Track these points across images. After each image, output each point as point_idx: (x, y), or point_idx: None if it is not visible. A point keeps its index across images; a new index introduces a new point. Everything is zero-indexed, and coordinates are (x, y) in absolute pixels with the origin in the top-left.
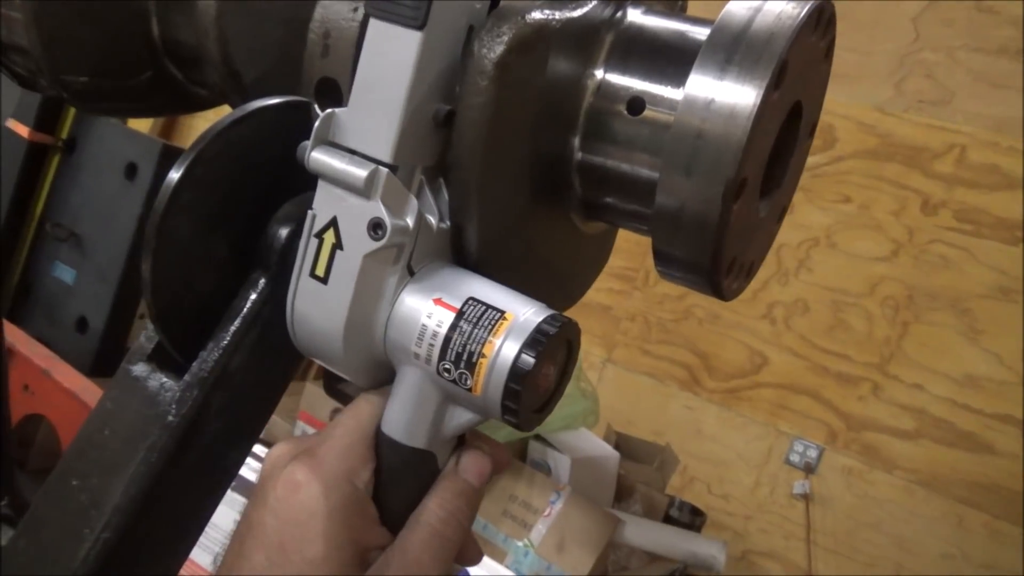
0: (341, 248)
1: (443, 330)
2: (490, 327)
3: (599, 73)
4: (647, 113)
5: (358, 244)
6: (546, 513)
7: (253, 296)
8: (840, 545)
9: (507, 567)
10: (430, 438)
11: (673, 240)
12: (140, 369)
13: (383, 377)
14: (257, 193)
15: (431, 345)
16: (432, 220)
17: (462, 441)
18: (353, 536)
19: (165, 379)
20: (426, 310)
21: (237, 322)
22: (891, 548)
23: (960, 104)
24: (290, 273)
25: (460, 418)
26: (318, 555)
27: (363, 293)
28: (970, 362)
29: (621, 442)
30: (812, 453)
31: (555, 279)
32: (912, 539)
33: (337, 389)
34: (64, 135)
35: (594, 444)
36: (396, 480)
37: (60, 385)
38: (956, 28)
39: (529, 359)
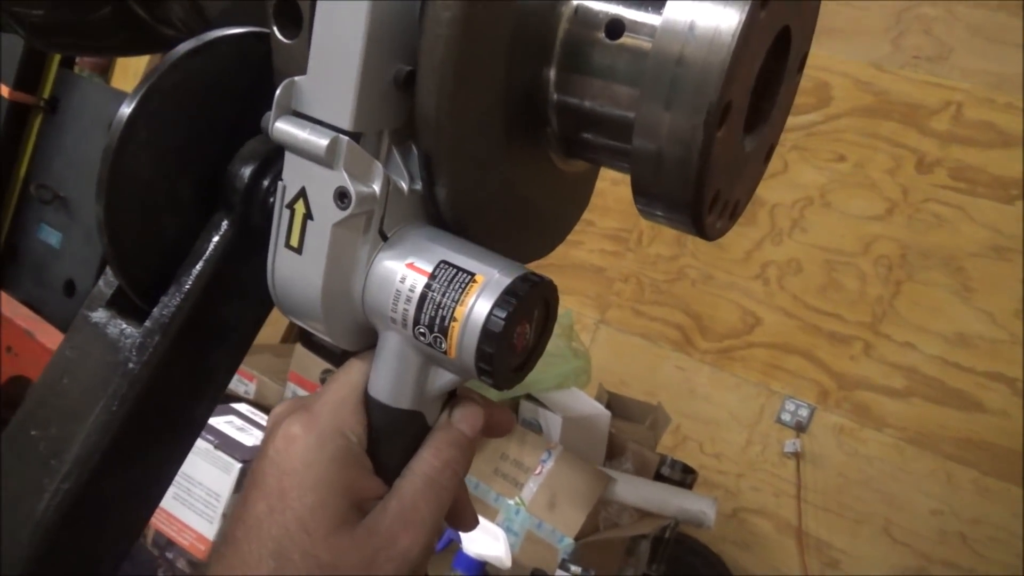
0: (312, 218)
1: (416, 295)
2: (461, 290)
3: None
4: (626, 40)
5: (327, 214)
6: (537, 471)
7: (216, 238)
8: (830, 502)
9: (498, 525)
10: (415, 398)
11: (654, 173)
12: (99, 315)
13: (369, 341)
14: (219, 129)
15: (406, 310)
16: (402, 183)
17: (455, 394)
18: (349, 485)
19: (125, 325)
20: (399, 275)
21: (199, 265)
22: (880, 505)
23: (958, 60)
24: (253, 212)
25: (443, 378)
26: (316, 501)
27: (336, 262)
28: (962, 321)
29: (613, 401)
30: (803, 412)
31: (536, 223)
32: (901, 496)
33: (315, 343)
34: (46, 95)
35: (585, 403)
36: (387, 438)
37: (44, 346)
38: None
39: (499, 321)
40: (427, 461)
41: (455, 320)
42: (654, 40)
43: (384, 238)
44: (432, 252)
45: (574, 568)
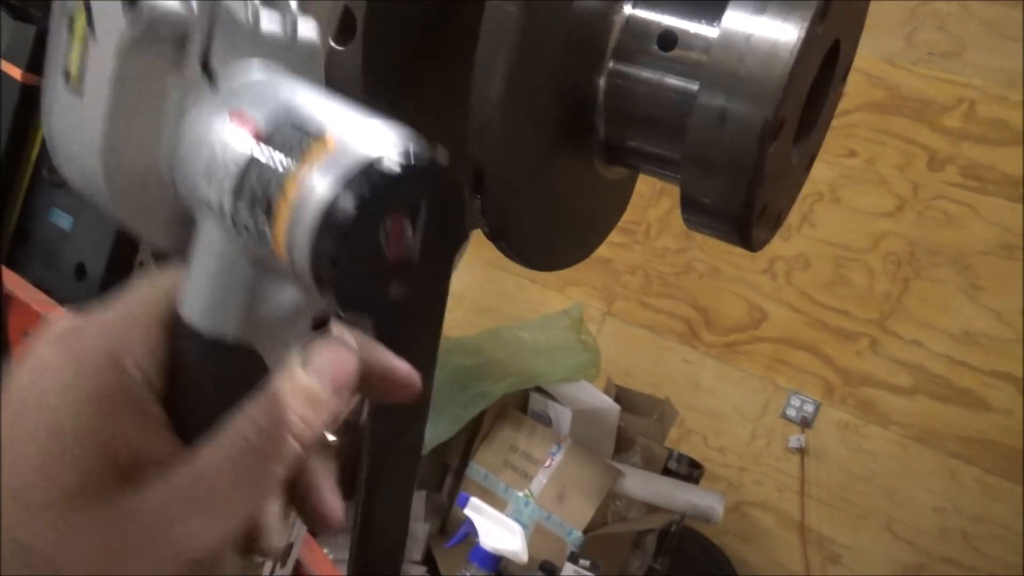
0: (94, 37)
1: (238, 156)
2: (298, 153)
3: (627, 8)
4: (678, 51)
5: (112, 30)
6: (547, 464)
7: None
8: (833, 497)
9: (507, 516)
10: (242, 324)
11: (703, 185)
12: None
13: (191, 235)
14: None
15: (222, 182)
16: (238, 8)
17: (327, 329)
18: (111, 439)
19: None
20: (218, 128)
21: None
22: (883, 501)
23: (971, 57)
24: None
25: (283, 296)
26: (47, 458)
27: (125, 106)
28: (969, 319)
29: (621, 395)
30: (808, 407)
31: (577, 226)
32: (904, 492)
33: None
34: None
35: (595, 396)
36: (195, 380)
37: None
38: None
39: (347, 207)
40: (251, 419)
41: (283, 195)
42: (711, 52)
43: (210, 78)
44: (270, 98)
45: (582, 561)
